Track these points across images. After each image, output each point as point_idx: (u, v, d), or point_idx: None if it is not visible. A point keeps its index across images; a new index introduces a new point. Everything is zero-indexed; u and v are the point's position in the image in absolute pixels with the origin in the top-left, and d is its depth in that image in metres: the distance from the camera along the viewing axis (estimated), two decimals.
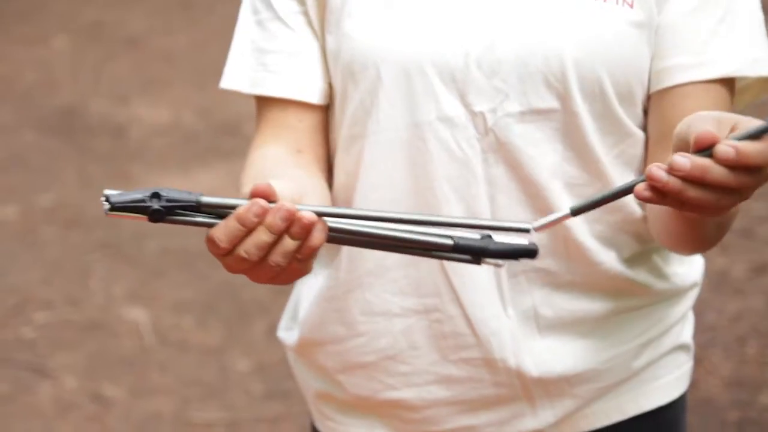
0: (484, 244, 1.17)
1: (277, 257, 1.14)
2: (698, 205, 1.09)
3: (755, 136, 1.06)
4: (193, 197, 1.13)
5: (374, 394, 1.53)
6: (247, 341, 3.51)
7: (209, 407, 3.28)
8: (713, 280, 3.65)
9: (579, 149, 1.42)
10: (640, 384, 1.54)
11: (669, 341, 1.55)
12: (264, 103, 1.48)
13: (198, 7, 6.28)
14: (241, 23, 1.49)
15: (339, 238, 1.17)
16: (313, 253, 1.16)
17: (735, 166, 1.07)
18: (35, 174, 4.68)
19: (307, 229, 1.13)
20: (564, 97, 1.39)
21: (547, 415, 1.51)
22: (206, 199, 1.14)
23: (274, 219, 1.12)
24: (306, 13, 1.45)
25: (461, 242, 1.17)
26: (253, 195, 1.13)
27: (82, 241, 4.16)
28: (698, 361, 3.24)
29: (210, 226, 1.15)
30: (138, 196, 1.13)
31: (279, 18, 1.45)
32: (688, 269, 1.55)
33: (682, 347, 1.57)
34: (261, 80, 1.46)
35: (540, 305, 1.47)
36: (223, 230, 1.14)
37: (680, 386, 1.57)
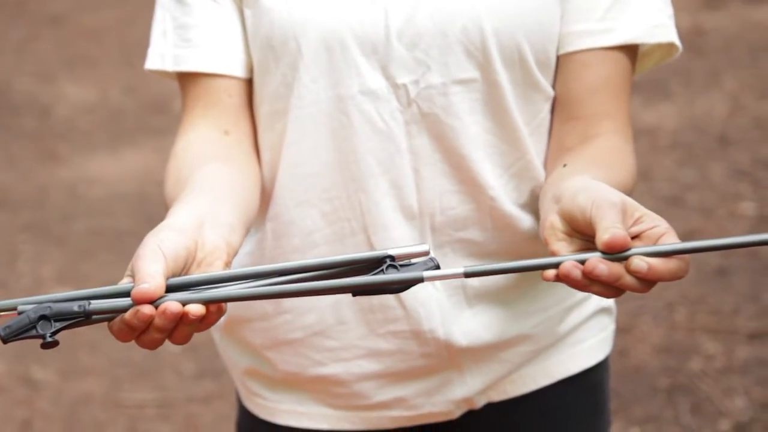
0: (384, 280, 1.16)
1: (178, 338, 1.17)
2: (598, 293, 1.15)
3: (666, 254, 1.14)
4: (81, 311, 1.14)
5: (303, 370, 1.52)
6: None
7: (140, 388, 3.26)
8: None
9: (500, 119, 1.43)
10: (566, 347, 1.55)
11: (592, 305, 1.57)
12: (190, 79, 1.46)
13: None
14: (160, 1, 1.47)
15: (246, 299, 1.18)
16: (216, 322, 1.18)
17: (644, 279, 1.14)
18: None
19: (197, 320, 1.15)
20: (484, 67, 1.40)
21: (475, 381, 1.52)
22: (95, 306, 1.14)
23: (162, 322, 1.14)
24: None
25: (359, 291, 1.16)
26: (136, 300, 1.14)
27: (8, 222, 4.11)
28: (628, 329, 3.28)
29: (107, 321, 1.16)
30: (25, 322, 1.14)
31: None
32: None
33: (604, 310, 1.59)
34: (185, 57, 1.45)
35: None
36: (119, 327, 1.16)
37: (604, 348, 1.60)
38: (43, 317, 1.13)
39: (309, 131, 1.42)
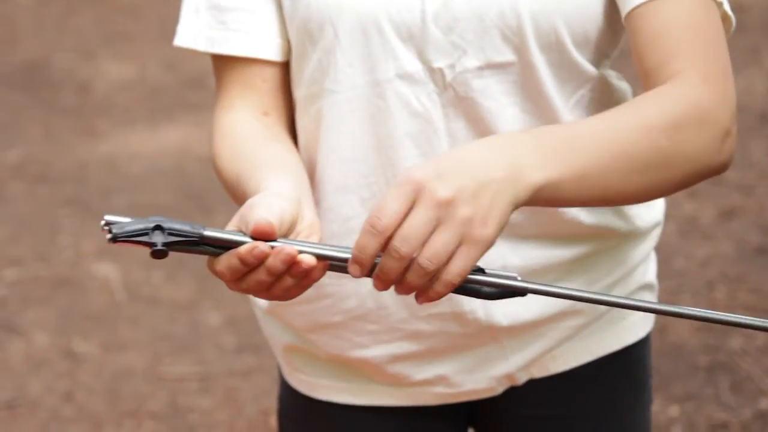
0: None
1: (276, 291, 1.17)
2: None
3: None
4: (196, 231, 1.14)
5: (343, 352, 1.53)
6: (218, 295, 3.51)
7: (181, 361, 3.28)
8: (682, 226, 3.67)
9: (537, 100, 1.42)
10: (608, 324, 1.55)
11: (634, 281, 1.56)
12: (225, 62, 1.46)
13: None
14: None
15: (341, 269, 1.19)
16: (311, 285, 1.19)
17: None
18: (0, 130, 4.64)
19: (306, 272, 1.16)
20: (521, 50, 1.39)
21: (516, 358, 1.52)
22: (209, 233, 1.15)
23: (275, 262, 1.15)
24: None
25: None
26: (255, 233, 1.15)
27: (49, 196, 4.14)
28: None
29: (213, 254, 1.16)
30: (140, 226, 1.13)
31: None
32: (650, 209, 1.56)
33: (647, 286, 1.58)
34: (222, 39, 1.44)
35: (507, 255, 1.47)
36: (225, 264, 1.17)
37: (646, 325, 1.59)
38: (158, 227, 1.13)
39: (346, 116, 1.42)
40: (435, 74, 1.40)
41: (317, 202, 1.46)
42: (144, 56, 5.23)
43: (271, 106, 1.45)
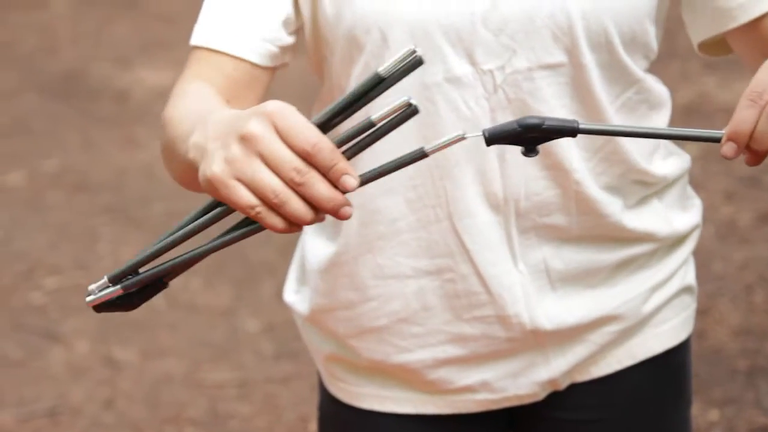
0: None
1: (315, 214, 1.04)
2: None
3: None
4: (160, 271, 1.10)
5: (387, 358, 1.53)
6: (256, 302, 3.53)
7: (220, 368, 3.30)
8: (720, 230, 3.66)
9: (586, 101, 1.42)
10: (650, 328, 1.55)
11: (675, 284, 1.56)
12: (205, 53, 1.42)
13: None
14: None
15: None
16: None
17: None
18: (39, 139, 4.68)
19: (345, 189, 1.04)
20: (571, 51, 1.39)
21: (559, 363, 1.52)
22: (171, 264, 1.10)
23: (328, 156, 1.02)
24: None
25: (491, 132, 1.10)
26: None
27: (88, 205, 4.17)
28: (706, 311, 3.26)
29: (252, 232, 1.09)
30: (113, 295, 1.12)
31: None
32: (688, 213, 1.57)
33: (687, 289, 1.59)
34: (210, 34, 1.42)
35: (550, 258, 1.48)
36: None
37: (687, 328, 1.59)
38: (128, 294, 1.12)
39: None
40: (485, 76, 1.40)
41: (363, 204, 1.47)
42: (180, 63, 5.23)
43: (235, 96, 1.40)
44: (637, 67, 1.44)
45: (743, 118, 1.11)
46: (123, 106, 4.95)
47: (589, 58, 1.39)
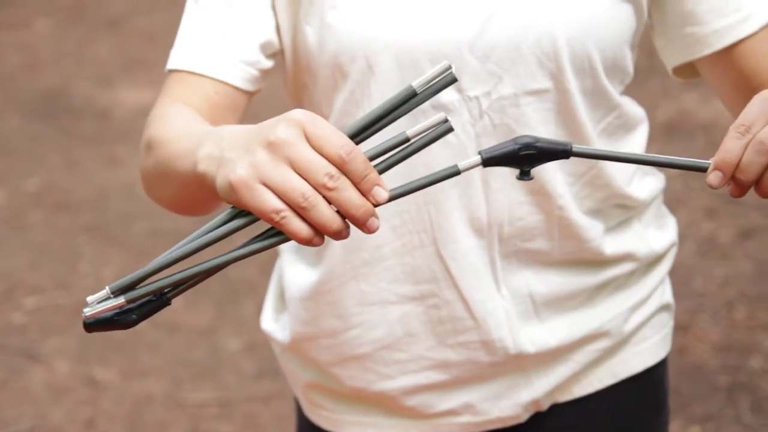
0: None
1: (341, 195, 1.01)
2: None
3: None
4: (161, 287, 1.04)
5: (369, 385, 1.53)
6: (238, 321, 3.52)
7: (201, 387, 3.29)
8: (701, 246, 3.66)
9: (570, 127, 1.43)
10: (630, 347, 1.56)
11: (654, 303, 1.57)
12: (184, 76, 1.41)
13: None
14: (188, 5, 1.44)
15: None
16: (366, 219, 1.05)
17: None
18: (21, 158, 4.67)
19: (376, 202, 1.04)
20: (557, 77, 1.40)
21: (542, 384, 1.53)
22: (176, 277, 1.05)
23: (360, 166, 1.01)
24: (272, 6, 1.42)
25: (488, 153, 1.08)
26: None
27: (69, 224, 4.16)
28: (687, 327, 3.27)
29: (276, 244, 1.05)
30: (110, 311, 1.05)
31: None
32: (665, 232, 1.58)
33: (665, 307, 1.60)
34: (191, 57, 1.41)
35: (533, 283, 1.48)
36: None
37: (666, 346, 1.60)
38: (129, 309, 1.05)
39: None
40: (470, 103, 1.40)
41: None
42: (161, 82, 5.25)
43: (217, 120, 1.38)
44: (615, 91, 1.45)
45: (730, 149, 1.13)
46: (104, 125, 4.94)
47: (573, 84, 1.40)
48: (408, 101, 1.05)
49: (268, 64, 1.43)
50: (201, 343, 3.46)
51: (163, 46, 6.16)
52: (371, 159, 1.04)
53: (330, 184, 0.99)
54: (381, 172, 1.05)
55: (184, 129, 1.25)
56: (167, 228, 4.03)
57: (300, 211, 0.99)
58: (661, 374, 1.60)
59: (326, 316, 1.51)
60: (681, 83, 4.76)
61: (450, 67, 1.04)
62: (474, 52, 1.38)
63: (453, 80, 1.04)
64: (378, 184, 1.02)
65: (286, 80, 1.48)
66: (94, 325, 1.05)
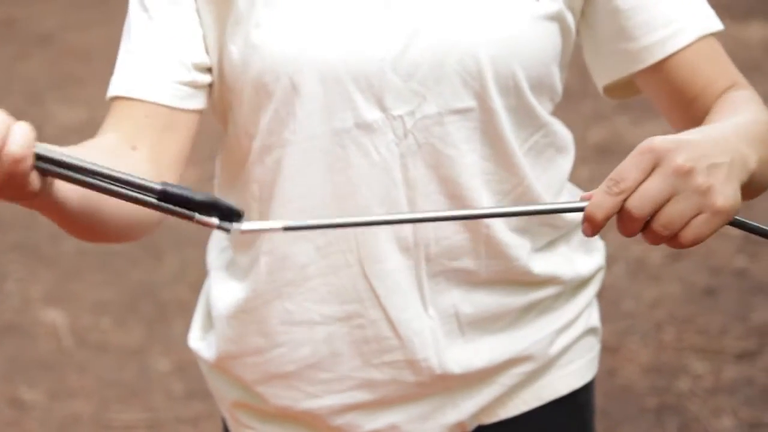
0: (195, 195, 1.12)
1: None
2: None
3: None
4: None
5: (294, 404, 1.52)
6: (168, 341, 3.49)
7: (130, 408, 3.26)
8: (631, 268, 3.69)
9: (496, 145, 1.43)
10: (556, 369, 1.56)
11: (580, 326, 1.57)
12: (115, 102, 1.42)
13: (113, 2, 6.22)
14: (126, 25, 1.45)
15: (52, 171, 1.13)
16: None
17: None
18: None
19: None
20: (481, 95, 1.40)
21: (467, 405, 1.52)
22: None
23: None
24: (195, 17, 1.41)
25: (170, 189, 1.12)
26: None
27: None
28: (616, 349, 3.29)
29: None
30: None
31: (151, 18, 1.41)
32: (592, 256, 1.58)
33: (591, 331, 1.60)
34: (117, 81, 1.41)
35: (460, 303, 1.48)
36: None
37: (592, 369, 1.60)
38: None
39: (304, 166, 1.42)
40: (395, 122, 1.40)
41: (272, 250, 1.46)
42: (94, 100, 5.21)
43: (144, 143, 1.38)
44: (543, 110, 1.45)
45: (600, 204, 1.15)
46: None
47: (498, 103, 1.40)
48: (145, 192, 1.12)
49: (207, 79, 1.43)
50: (130, 364, 3.43)
51: (97, 64, 6.14)
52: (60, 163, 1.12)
53: None
54: (44, 171, 1.12)
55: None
56: (95, 247, 3.99)
57: None
58: (587, 397, 1.60)
59: (252, 335, 1.51)
60: (613, 105, 4.81)
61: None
62: (397, 70, 1.38)
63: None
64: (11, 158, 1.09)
65: (213, 101, 1.47)
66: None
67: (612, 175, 1.15)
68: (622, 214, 1.15)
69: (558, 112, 1.50)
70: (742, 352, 3.27)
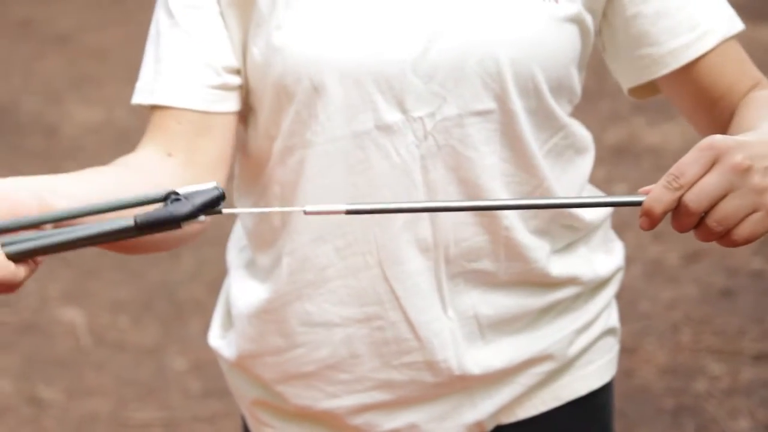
0: (169, 212, 1.14)
1: None
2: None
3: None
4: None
5: (314, 403, 1.52)
6: (184, 340, 3.50)
7: (146, 407, 3.27)
8: (647, 269, 3.69)
9: (516, 147, 1.43)
10: (575, 370, 1.56)
11: (599, 326, 1.57)
12: (150, 111, 1.44)
13: (130, 2, 6.24)
14: (151, 33, 1.46)
15: (24, 255, 1.15)
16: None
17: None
18: None
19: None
20: (501, 97, 1.40)
21: (486, 405, 1.52)
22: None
23: None
24: (219, 19, 1.42)
25: (143, 219, 1.14)
26: None
27: None
28: (633, 350, 3.28)
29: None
30: None
31: (177, 24, 1.42)
32: (612, 256, 1.58)
33: (610, 331, 1.60)
34: (148, 90, 1.43)
35: (479, 304, 1.48)
36: None
37: (611, 369, 1.60)
38: None
39: (325, 168, 1.42)
40: (415, 124, 1.40)
41: (293, 251, 1.46)
42: (111, 99, 5.23)
43: (180, 148, 1.40)
44: (562, 111, 1.46)
45: (658, 198, 1.17)
46: (52, 141, 4.91)
47: (518, 105, 1.40)
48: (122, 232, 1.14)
49: (237, 81, 1.44)
50: (147, 362, 3.44)
51: (114, 63, 6.15)
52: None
53: None
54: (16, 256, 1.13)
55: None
56: None
57: None
58: (605, 397, 1.60)
59: (271, 334, 1.51)
60: (630, 106, 4.81)
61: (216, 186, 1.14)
62: (417, 72, 1.38)
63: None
64: None
65: None
66: None
67: (672, 170, 1.16)
68: (678, 208, 1.16)
69: (575, 112, 1.50)
70: (759, 353, 3.26)
